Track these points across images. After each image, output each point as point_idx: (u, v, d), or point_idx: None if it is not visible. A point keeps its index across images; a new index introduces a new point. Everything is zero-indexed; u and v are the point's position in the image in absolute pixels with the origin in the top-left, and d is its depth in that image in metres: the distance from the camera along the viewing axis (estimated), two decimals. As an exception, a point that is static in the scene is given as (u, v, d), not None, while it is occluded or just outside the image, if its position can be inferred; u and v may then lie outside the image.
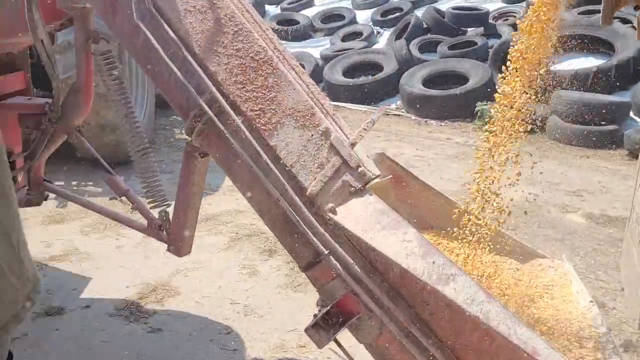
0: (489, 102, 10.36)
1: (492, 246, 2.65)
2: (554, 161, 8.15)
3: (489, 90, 10.39)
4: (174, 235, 2.79)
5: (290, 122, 2.11)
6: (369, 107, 11.73)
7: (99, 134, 6.74)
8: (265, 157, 2.11)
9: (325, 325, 2.14)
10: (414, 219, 2.68)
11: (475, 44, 12.01)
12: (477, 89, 10.51)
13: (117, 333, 3.37)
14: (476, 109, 10.12)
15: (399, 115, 11.58)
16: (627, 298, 4.09)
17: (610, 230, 5.58)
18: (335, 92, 11.95)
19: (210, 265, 4.42)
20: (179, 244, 2.79)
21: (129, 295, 3.83)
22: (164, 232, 2.89)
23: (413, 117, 11.29)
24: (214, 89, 2.19)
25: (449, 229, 2.66)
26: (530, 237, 5.16)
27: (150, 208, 2.91)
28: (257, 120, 2.13)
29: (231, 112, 2.13)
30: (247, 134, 2.14)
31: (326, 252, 2.01)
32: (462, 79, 11.02)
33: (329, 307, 2.13)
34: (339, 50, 13.59)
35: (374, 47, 13.85)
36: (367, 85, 11.99)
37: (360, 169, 2.09)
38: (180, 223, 2.77)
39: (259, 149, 2.12)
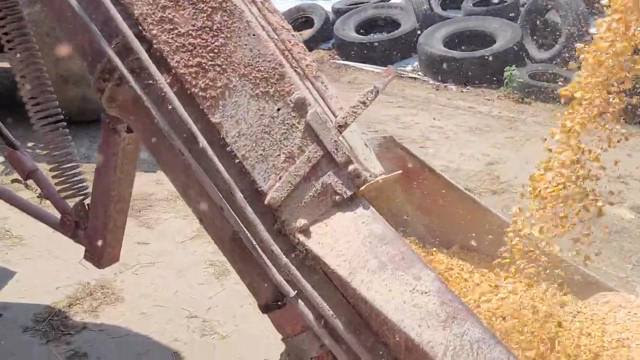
0: (518, 67, 9.59)
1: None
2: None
3: (519, 53, 9.76)
4: (92, 237, 2.12)
5: (245, 88, 1.54)
6: (383, 68, 10.99)
7: (60, 87, 6.07)
8: (202, 141, 1.41)
9: None
10: (433, 234, 2.00)
11: (505, 0, 11.33)
12: (505, 52, 9.87)
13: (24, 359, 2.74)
14: (504, 74, 9.43)
15: (415, 78, 10.85)
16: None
17: (667, 229, 4.89)
18: (346, 50, 11.58)
19: (170, 260, 3.78)
20: (97, 250, 2.12)
21: (56, 299, 3.21)
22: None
23: (431, 82, 10.60)
24: (128, 30, 1.44)
25: (480, 248, 1.97)
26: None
27: (64, 198, 2.24)
28: (193, 83, 1.49)
29: (153, 68, 1.41)
30: (176, 103, 1.44)
31: (292, 293, 1.49)
32: (488, 39, 10.40)
33: None
34: (353, 4, 13.15)
35: (391, 1, 13.28)
36: (382, 44, 11.46)
37: (351, 167, 1.41)
38: (99, 222, 2.10)
39: (193, 128, 1.42)
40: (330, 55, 12.15)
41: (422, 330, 1.25)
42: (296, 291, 1.47)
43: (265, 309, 1.61)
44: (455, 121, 8.33)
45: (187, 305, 3.21)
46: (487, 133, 7.87)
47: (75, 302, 3.18)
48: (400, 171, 1.89)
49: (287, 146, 1.47)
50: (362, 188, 1.54)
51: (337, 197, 1.44)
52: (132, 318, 3.08)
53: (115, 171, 2.01)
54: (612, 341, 1.87)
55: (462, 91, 10.22)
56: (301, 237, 1.44)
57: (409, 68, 11.37)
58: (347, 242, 1.40)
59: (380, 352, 1.39)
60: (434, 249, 1.96)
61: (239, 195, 1.46)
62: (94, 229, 2.12)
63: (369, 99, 1.48)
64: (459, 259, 1.96)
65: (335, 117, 1.50)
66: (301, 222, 1.45)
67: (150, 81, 1.53)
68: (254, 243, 1.48)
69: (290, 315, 1.54)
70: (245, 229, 1.48)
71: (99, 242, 2.12)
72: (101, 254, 2.17)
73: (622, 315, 2.06)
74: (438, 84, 10.50)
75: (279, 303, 1.55)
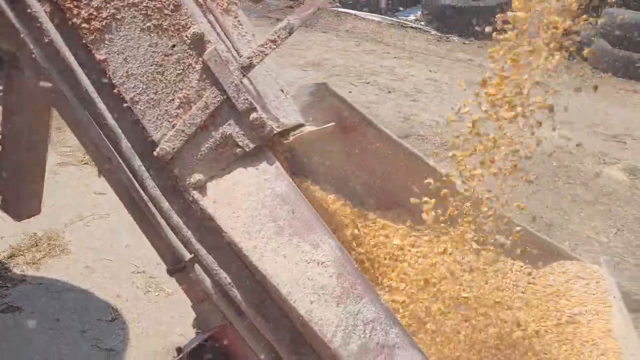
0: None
1: (487, 239, 1.81)
2: (593, 95, 7.13)
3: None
4: (3, 188, 1.96)
5: (136, 20, 1.38)
6: (383, 16, 10.56)
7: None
8: (85, 82, 1.22)
9: None
10: (370, 193, 1.84)
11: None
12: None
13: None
14: (509, 25, 9.01)
15: (417, 29, 10.44)
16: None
17: (659, 193, 4.72)
18: (347, -2, 10.95)
19: (125, 213, 3.62)
20: (12, 202, 1.97)
21: (-2, 250, 3.10)
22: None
23: (433, 32, 10.17)
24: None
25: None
26: (553, 198, 4.32)
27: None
28: (74, 12, 1.38)
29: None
30: (55, 37, 1.22)
31: (188, 256, 1.35)
32: (498, -12, 9.89)
33: (199, 342, 1.43)
34: (356, -49, 12.49)
35: (394, -53, 12.67)
36: (385, -8, 10.83)
37: (254, 116, 1.23)
38: (10, 172, 1.93)
39: (73, 65, 1.21)
40: (330, 3, 11.72)
41: (313, 306, 1.11)
42: (192, 255, 1.33)
43: (169, 272, 1.48)
44: (452, 74, 8.04)
45: (135, 261, 3.10)
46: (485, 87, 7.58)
47: (17, 252, 3.07)
48: (333, 123, 1.72)
49: (182, 90, 1.30)
50: (292, 139, 1.37)
51: (239, 149, 1.28)
52: (75, 272, 2.98)
53: (23, 115, 1.84)
54: (561, 317, 1.74)
55: (464, 43, 9.85)
56: (195, 195, 1.28)
57: (411, 17, 10.95)
58: (245, 202, 1.25)
59: (284, 327, 1.26)
60: (371, 213, 1.80)
61: (126, 145, 1.30)
62: (5, 178, 1.96)
63: (281, 37, 1.29)
64: (399, 222, 1.80)
65: (240, 56, 1.32)
66: (196, 177, 1.29)
67: (28, 10, 1.34)
68: (144, 198, 1.33)
69: (191, 281, 1.41)
70: (136, 184, 1.33)
71: (12, 193, 1.97)
72: (16, 205, 2.02)
73: (578, 287, 1.92)
74: (440, 35, 10.12)
75: (178, 266, 1.41)
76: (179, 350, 1.59)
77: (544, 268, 1.95)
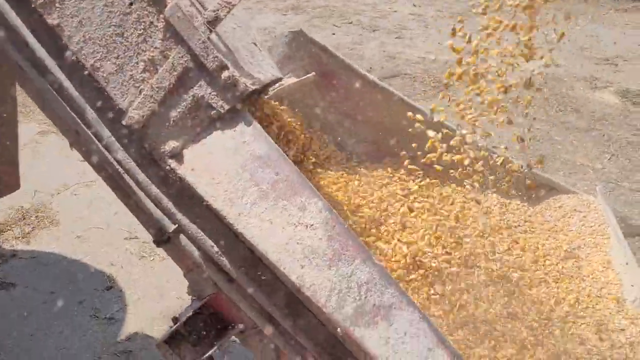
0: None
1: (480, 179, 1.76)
2: (582, 17, 6.95)
3: None
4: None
5: None
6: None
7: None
8: (40, 50, 1.13)
9: (190, 338, 1.38)
10: (361, 144, 1.78)
11: None
12: None
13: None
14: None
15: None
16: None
17: (652, 114, 4.67)
18: None
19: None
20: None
21: (-15, 225, 3.04)
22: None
23: (420, -39, 9.80)
24: None
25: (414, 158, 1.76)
26: (545, 128, 4.27)
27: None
28: None
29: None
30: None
31: (172, 227, 1.30)
32: None
33: (194, 311, 1.39)
34: None
35: None
36: None
37: (225, 74, 1.15)
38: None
39: (24, 33, 1.12)
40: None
41: (305, 271, 1.07)
42: (175, 225, 1.28)
43: (155, 243, 1.44)
44: (439, 7, 7.80)
45: (127, 227, 3.05)
46: (472, 19, 7.40)
47: (5, 228, 3.01)
48: (313, 73, 1.63)
49: (146, 51, 1.20)
50: (272, 94, 1.28)
51: (213, 112, 1.20)
52: (66, 243, 2.94)
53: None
54: (560, 253, 1.71)
55: (450, -29, 9.52)
56: (172, 163, 1.22)
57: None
58: (224, 166, 1.18)
59: (277, 291, 1.22)
60: (361, 167, 1.73)
61: (91, 116, 1.22)
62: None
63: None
64: (390, 170, 1.75)
65: (205, 9, 1.22)
66: (171, 144, 1.22)
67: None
68: (121, 172, 1.26)
69: (179, 251, 1.37)
70: (109, 157, 1.26)
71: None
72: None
73: (575, 221, 1.89)
74: (424, -36, 9.75)
75: (163, 238, 1.37)
76: (175, 320, 1.57)
77: (540, 204, 1.91)
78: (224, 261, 1.25)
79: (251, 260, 1.24)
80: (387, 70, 5.43)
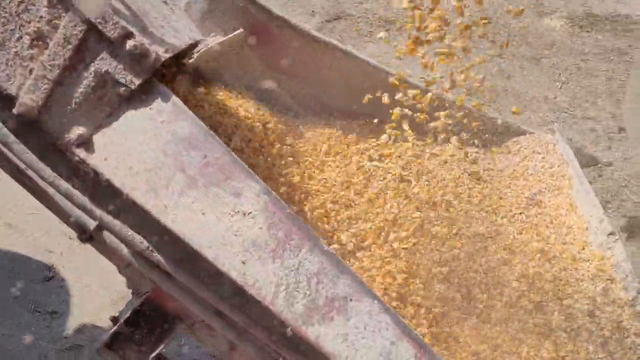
0: None
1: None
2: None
3: None
4: None
5: None
6: None
7: None
8: None
9: (134, 338, 1.26)
10: (302, 103, 1.63)
11: None
12: None
13: None
14: None
15: None
16: (632, 143, 3.26)
17: (599, 37, 4.62)
18: None
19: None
20: None
21: None
22: None
23: None
24: None
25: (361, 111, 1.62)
26: (494, 62, 4.17)
27: None
28: None
29: None
30: None
31: (93, 223, 1.17)
32: None
33: (133, 308, 1.30)
34: None
35: None
36: None
37: (130, 44, 0.98)
38: None
39: None
40: None
41: (246, 267, 0.94)
42: (96, 222, 1.13)
43: (81, 241, 1.29)
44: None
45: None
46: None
47: None
48: (241, 29, 1.45)
49: (29, 22, 1.01)
50: (196, 57, 1.12)
51: (122, 89, 1.03)
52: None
53: None
54: (522, 201, 1.64)
55: None
56: (81, 153, 1.05)
57: None
58: (142, 152, 1.02)
59: (222, 283, 1.09)
60: (304, 125, 1.58)
61: (-26, 107, 1.03)
62: None
63: None
64: (337, 129, 1.61)
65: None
66: (76, 131, 1.05)
67: None
68: (23, 168, 1.09)
69: (107, 248, 1.22)
70: (5, 151, 1.08)
71: None
72: None
73: (535, 163, 1.81)
74: None
75: (84, 237, 1.22)
76: (114, 320, 1.44)
77: (499, 149, 1.82)
78: (158, 257, 1.11)
79: (188, 254, 1.10)
80: (327, 13, 5.18)
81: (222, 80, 1.50)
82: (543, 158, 1.84)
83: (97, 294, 2.39)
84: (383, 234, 1.37)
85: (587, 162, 3.15)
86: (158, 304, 1.28)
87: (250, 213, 0.95)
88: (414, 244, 1.41)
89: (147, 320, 1.31)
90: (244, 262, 0.94)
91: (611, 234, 1.49)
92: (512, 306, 1.36)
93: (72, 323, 2.30)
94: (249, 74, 1.57)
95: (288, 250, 0.92)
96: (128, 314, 1.33)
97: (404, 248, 1.39)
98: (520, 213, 1.59)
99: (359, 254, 1.36)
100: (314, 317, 0.89)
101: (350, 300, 0.89)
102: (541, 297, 1.42)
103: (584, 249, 1.50)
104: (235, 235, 0.95)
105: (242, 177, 0.98)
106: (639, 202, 2.95)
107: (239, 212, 0.95)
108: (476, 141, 1.77)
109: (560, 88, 3.94)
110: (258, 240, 0.94)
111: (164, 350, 1.37)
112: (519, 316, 1.35)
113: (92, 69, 1.02)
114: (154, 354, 1.33)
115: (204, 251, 0.96)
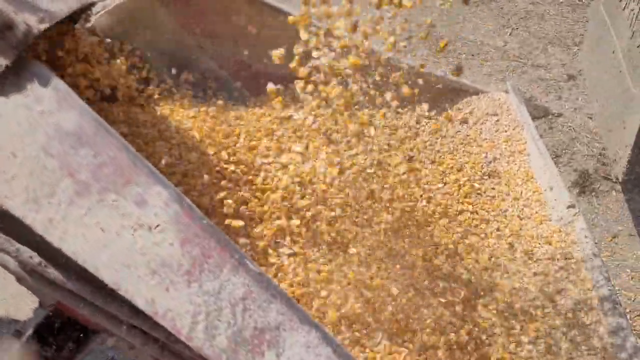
0: None
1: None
2: None
3: None
4: None
5: None
6: None
7: None
8: None
9: (46, 353, 1.21)
10: (227, 66, 1.43)
11: None
12: None
13: None
14: None
15: None
16: (590, 91, 3.18)
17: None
18: None
19: None
20: None
21: None
22: None
23: None
24: None
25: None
26: (441, 9, 4.00)
27: None
28: None
29: None
30: None
31: None
32: None
33: (38, 323, 1.19)
34: None
35: None
36: None
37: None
38: None
39: None
40: None
41: (155, 294, 0.78)
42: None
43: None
44: None
45: None
46: None
47: None
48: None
49: None
50: (94, 21, 0.93)
51: (-12, 69, 0.82)
52: None
53: None
54: (477, 172, 1.52)
55: None
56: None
57: None
58: (18, 152, 0.83)
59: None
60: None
61: None
62: None
63: None
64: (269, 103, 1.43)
65: None
66: None
67: None
68: None
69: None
70: None
71: None
72: None
73: (489, 126, 1.70)
74: None
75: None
76: (18, 333, 1.27)
77: (452, 112, 1.69)
78: (53, 272, 0.93)
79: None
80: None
81: (132, 46, 1.29)
82: (497, 121, 1.72)
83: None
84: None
85: (538, 113, 3.08)
86: (70, 314, 1.12)
87: (158, 226, 0.78)
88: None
89: (60, 331, 1.16)
90: (150, 287, 0.77)
91: (570, 206, 1.40)
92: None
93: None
94: (163, 37, 1.36)
95: (206, 271, 0.76)
96: (34, 328, 1.17)
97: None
98: (476, 186, 1.47)
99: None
100: (240, 353, 0.74)
101: (284, 330, 0.75)
102: (499, 278, 1.33)
103: (542, 223, 1.41)
104: (141, 254, 0.78)
105: (147, 181, 0.80)
106: (589, 155, 2.91)
107: (143, 225, 0.78)
108: (424, 105, 1.63)
109: (510, 34, 3.83)
110: (169, 260, 0.77)
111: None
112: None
113: (-57, 47, 0.80)
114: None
115: (102, 274, 0.79)
